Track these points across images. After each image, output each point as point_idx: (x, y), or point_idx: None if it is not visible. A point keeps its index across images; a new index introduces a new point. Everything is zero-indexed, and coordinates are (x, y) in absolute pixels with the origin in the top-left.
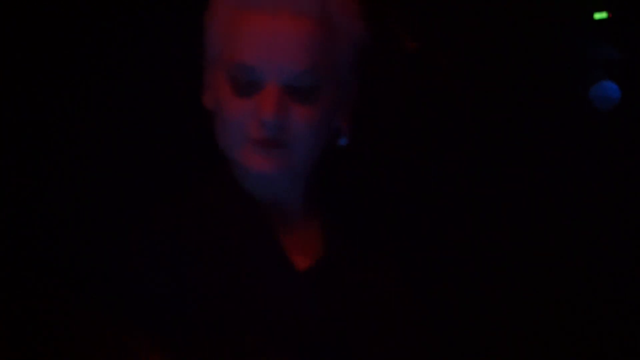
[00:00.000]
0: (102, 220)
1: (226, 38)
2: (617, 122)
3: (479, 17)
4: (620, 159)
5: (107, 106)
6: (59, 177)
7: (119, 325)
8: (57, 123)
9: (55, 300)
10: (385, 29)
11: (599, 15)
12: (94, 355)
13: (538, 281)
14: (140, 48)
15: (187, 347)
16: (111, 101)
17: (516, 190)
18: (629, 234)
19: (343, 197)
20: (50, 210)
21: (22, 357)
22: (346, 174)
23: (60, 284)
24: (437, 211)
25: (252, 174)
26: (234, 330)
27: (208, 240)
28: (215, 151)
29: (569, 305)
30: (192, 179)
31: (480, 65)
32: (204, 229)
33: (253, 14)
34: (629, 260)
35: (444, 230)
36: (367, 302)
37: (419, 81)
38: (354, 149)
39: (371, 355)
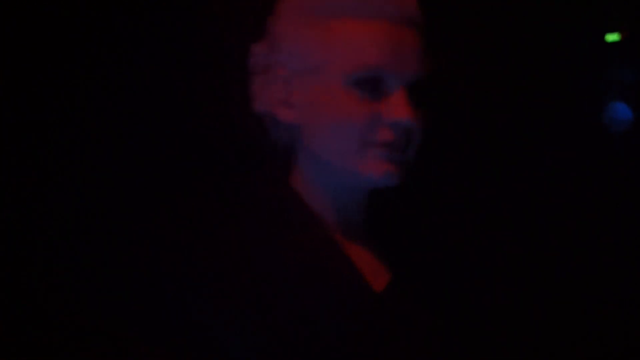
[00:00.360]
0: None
1: (340, 44)
2: (630, 144)
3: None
4: (634, 181)
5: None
6: (60, 177)
7: (124, 327)
8: (57, 123)
9: (55, 301)
10: None
11: (611, 37)
12: (96, 357)
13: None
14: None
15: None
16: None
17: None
18: None
19: (394, 211)
20: (51, 210)
21: (22, 358)
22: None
23: (60, 284)
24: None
25: (369, 181)
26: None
27: (272, 257)
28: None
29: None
30: (250, 189)
31: (491, 86)
32: (267, 244)
33: (377, 22)
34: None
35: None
36: (424, 319)
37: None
38: None
39: None
